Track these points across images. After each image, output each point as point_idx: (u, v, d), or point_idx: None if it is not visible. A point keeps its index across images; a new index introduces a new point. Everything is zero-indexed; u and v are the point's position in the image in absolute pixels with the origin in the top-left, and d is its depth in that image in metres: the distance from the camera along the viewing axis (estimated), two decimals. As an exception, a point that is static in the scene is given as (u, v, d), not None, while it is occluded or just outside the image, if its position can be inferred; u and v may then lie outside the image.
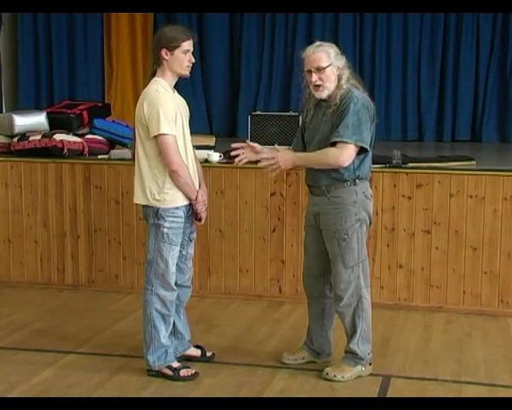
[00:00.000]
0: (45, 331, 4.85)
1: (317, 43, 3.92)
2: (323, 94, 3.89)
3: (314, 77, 3.86)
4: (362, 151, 3.89)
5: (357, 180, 3.93)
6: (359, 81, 3.98)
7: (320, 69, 3.85)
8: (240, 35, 8.61)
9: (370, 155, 4.02)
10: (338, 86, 3.88)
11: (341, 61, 3.91)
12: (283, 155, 3.95)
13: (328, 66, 3.85)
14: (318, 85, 3.88)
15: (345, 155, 3.81)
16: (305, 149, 4.08)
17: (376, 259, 5.30)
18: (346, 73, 3.91)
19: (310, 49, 3.89)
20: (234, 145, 4.05)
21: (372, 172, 5.14)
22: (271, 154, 3.97)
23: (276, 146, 4.05)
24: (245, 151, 4.05)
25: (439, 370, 4.20)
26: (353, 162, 3.88)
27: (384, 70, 8.39)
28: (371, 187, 5.09)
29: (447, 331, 4.89)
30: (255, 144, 4.07)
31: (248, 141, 4.12)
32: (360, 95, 3.89)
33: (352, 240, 3.93)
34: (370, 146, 3.95)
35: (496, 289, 5.18)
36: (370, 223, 4.08)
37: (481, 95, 8.19)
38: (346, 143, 3.79)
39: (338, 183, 3.91)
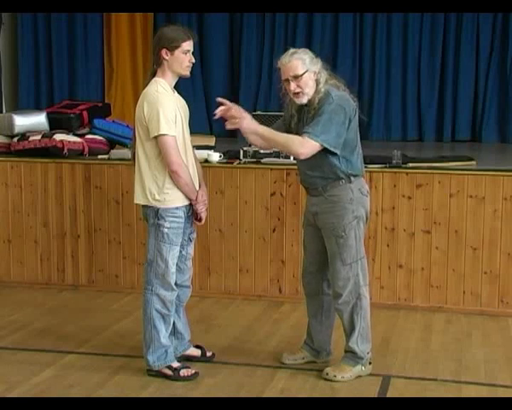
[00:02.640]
0: (45, 331, 4.85)
1: (292, 50, 3.93)
2: (304, 100, 3.91)
3: (292, 85, 3.87)
4: (332, 152, 3.85)
5: (351, 177, 3.94)
6: (339, 80, 3.97)
7: (297, 77, 3.85)
8: (240, 35, 8.62)
9: (360, 151, 4.02)
10: (317, 90, 3.89)
11: (317, 66, 3.91)
12: (249, 121, 3.84)
13: (304, 72, 3.85)
14: (297, 93, 3.89)
15: (306, 149, 3.80)
16: None
17: (376, 259, 5.31)
18: (324, 76, 3.91)
19: (285, 58, 3.90)
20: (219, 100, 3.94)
21: (372, 172, 5.19)
22: (241, 113, 3.84)
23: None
24: (222, 109, 3.92)
25: (439, 370, 4.20)
26: (341, 162, 3.89)
27: (384, 70, 8.39)
28: (371, 187, 5.13)
29: (447, 331, 4.89)
30: (233, 109, 3.88)
31: (233, 106, 3.91)
32: (338, 95, 3.87)
33: (349, 237, 3.94)
34: (356, 145, 3.94)
35: (496, 289, 5.18)
36: (367, 219, 4.09)
37: (481, 95, 8.19)
38: (311, 139, 3.79)
39: (333, 182, 3.93)
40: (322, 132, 3.79)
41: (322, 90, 3.87)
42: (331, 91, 3.87)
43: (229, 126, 3.93)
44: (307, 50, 3.95)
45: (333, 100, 3.83)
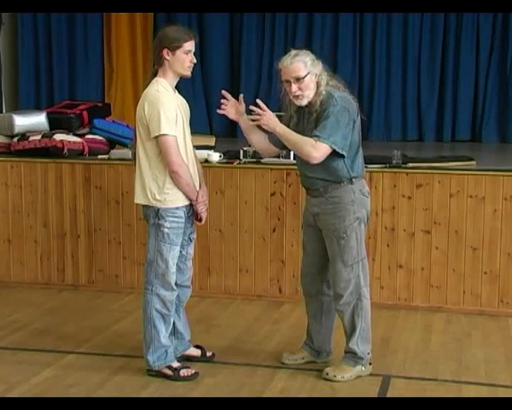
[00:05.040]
0: (45, 331, 4.85)
1: (293, 52, 3.91)
2: (303, 102, 3.91)
3: (293, 87, 3.86)
4: (338, 154, 3.86)
5: (353, 179, 3.94)
6: (339, 81, 3.98)
7: (299, 79, 3.85)
8: (240, 35, 8.62)
9: (361, 152, 4.02)
10: (317, 93, 3.88)
11: (318, 68, 3.91)
12: (272, 117, 3.90)
13: (306, 75, 3.85)
14: (298, 95, 3.89)
15: (318, 152, 3.80)
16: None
17: (376, 259, 5.31)
18: (325, 78, 3.91)
19: (286, 60, 3.89)
20: (224, 93, 4.07)
21: (372, 172, 5.19)
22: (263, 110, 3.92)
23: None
24: (228, 105, 4.06)
25: (439, 370, 4.20)
26: (345, 163, 3.89)
27: (384, 70, 8.39)
28: (371, 187, 5.13)
29: (447, 331, 4.89)
30: (241, 105, 4.06)
31: (241, 98, 4.08)
32: (340, 96, 3.88)
33: (350, 238, 3.94)
34: (358, 146, 3.96)
35: (496, 289, 5.18)
36: (368, 220, 4.09)
37: (481, 95, 8.19)
38: (322, 142, 3.80)
39: (334, 184, 3.93)
40: (330, 135, 3.79)
41: (324, 92, 3.87)
42: (333, 93, 3.87)
43: (230, 116, 4.03)
44: (309, 52, 3.94)
45: (337, 102, 3.82)
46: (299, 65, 3.85)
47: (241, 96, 4.10)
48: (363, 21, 8.39)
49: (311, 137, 3.82)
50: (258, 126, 4.04)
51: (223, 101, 4.07)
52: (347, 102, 3.88)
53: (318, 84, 3.89)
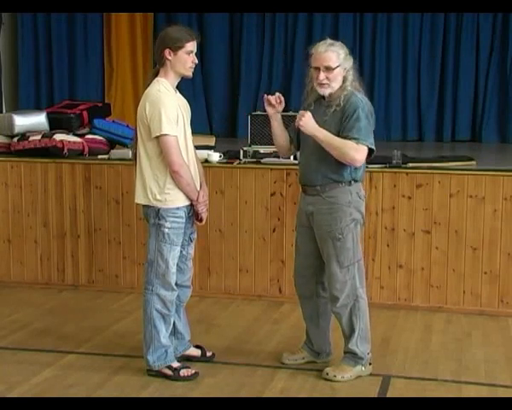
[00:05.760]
0: (45, 331, 4.85)
1: (329, 41, 3.92)
2: (327, 91, 3.90)
3: (322, 75, 3.86)
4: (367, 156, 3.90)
5: (352, 181, 3.94)
6: (361, 84, 3.99)
7: (329, 69, 3.86)
8: (240, 35, 8.63)
9: None
10: (342, 87, 3.89)
11: (349, 63, 3.92)
12: (310, 118, 3.88)
13: (337, 66, 3.86)
14: (324, 84, 3.88)
15: (360, 154, 3.83)
16: (297, 142, 4.12)
17: (376, 259, 5.31)
18: (351, 75, 3.92)
19: (321, 47, 3.89)
20: (278, 95, 4.09)
21: (372, 172, 5.20)
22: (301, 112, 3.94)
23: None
24: (272, 101, 4.06)
25: (439, 370, 4.20)
26: (351, 166, 3.89)
27: (384, 70, 8.40)
28: (371, 187, 5.14)
29: (447, 331, 4.89)
30: (281, 105, 4.08)
31: (282, 98, 4.09)
32: (364, 99, 3.91)
33: (346, 240, 3.93)
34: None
35: (496, 289, 5.18)
36: (364, 223, 4.09)
37: (481, 95, 8.20)
38: (362, 144, 3.81)
39: (333, 183, 3.92)
40: (366, 136, 3.84)
41: (348, 89, 3.88)
42: (357, 94, 3.88)
43: (268, 109, 4.06)
44: (343, 45, 3.96)
45: (364, 105, 3.85)
46: (333, 55, 3.86)
47: (281, 96, 4.08)
48: (363, 21, 8.40)
49: (330, 131, 3.83)
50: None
51: (270, 97, 4.07)
52: (370, 106, 3.93)
53: (345, 79, 3.90)
